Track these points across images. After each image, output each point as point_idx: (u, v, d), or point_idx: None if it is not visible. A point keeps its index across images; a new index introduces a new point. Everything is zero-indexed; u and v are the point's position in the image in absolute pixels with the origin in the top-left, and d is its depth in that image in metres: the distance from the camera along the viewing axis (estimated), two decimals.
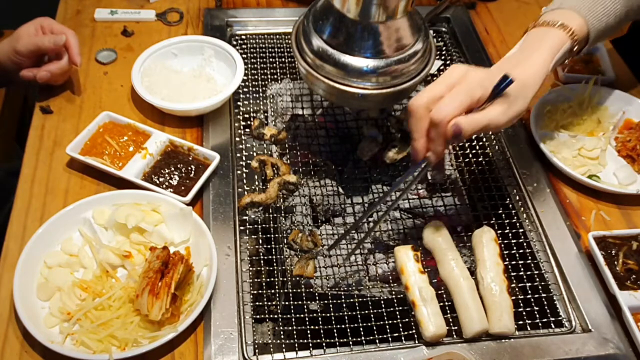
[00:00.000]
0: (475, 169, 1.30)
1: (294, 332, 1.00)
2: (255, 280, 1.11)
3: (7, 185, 1.25)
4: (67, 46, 1.25)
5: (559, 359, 0.99)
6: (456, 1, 1.67)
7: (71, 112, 1.30)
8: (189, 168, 1.19)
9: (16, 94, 2.07)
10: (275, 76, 1.44)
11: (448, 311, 1.03)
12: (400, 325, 1.02)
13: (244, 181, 1.22)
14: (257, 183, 1.22)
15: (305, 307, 1.05)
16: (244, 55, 1.43)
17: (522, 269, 1.12)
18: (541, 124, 1.37)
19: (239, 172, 1.22)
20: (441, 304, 1.01)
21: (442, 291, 1.08)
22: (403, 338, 1.00)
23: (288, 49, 1.49)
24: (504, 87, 0.92)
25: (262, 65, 1.45)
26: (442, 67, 1.52)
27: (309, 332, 1.00)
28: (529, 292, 1.08)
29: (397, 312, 1.03)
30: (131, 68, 1.31)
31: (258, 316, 1.04)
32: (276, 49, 1.50)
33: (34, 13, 1.33)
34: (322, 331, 1.00)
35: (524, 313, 1.06)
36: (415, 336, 1.00)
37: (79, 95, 1.34)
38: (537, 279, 1.11)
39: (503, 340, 1.00)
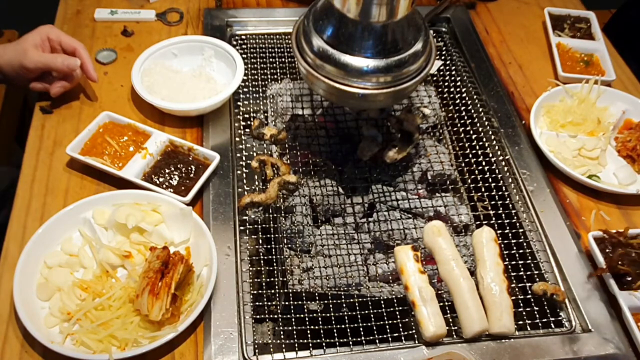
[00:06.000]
0: (475, 169, 1.30)
1: (294, 332, 1.00)
2: (255, 280, 1.11)
3: (7, 187, 1.25)
4: (81, 63, 1.25)
5: (559, 359, 0.99)
6: (456, 1, 1.67)
7: (71, 112, 1.30)
8: (189, 168, 1.19)
9: (16, 94, 2.07)
10: (275, 76, 1.44)
11: (448, 311, 1.03)
12: (400, 325, 1.02)
13: (244, 181, 1.22)
14: (257, 183, 1.22)
15: (305, 307, 1.05)
16: (244, 55, 1.43)
17: (522, 269, 1.12)
18: (541, 124, 1.37)
19: (239, 172, 1.22)
20: (441, 304, 1.01)
21: (442, 291, 1.08)
22: (403, 338, 1.00)
23: (288, 49, 1.49)
24: None
25: (262, 65, 1.45)
26: (442, 67, 1.52)
27: (309, 332, 1.00)
28: (529, 292, 1.08)
29: (397, 312, 1.03)
30: (131, 68, 1.31)
31: (258, 316, 1.04)
32: (276, 49, 1.50)
33: (34, 13, 1.33)
34: (322, 331, 1.00)
35: (524, 313, 1.06)
36: (415, 336, 1.00)
37: (79, 95, 1.34)
38: (537, 279, 1.11)
39: (503, 340, 1.00)
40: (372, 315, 1.02)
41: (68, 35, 1.26)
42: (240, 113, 1.34)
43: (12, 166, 1.54)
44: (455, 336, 1.01)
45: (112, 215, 1.08)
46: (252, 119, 1.29)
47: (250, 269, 1.09)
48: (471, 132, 1.38)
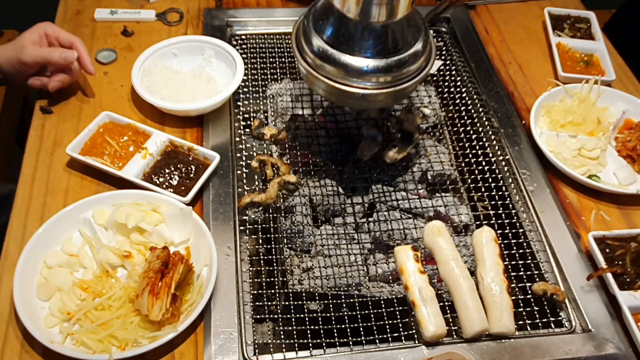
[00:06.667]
0: (475, 169, 1.30)
1: (294, 332, 1.00)
2: (255, 280, 1.11)
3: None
4: (78, 57, 1.25)
5: (559, 359, 0.99)
6: (456, 1, 1.67)
7: (71, 112, 1.30)
8: (189, 168, 1.19)
9: (16, 94, 2.07)
10: (275, 76, 1.44)
11: (448, 311, 1.03)
12: (400, 325, 1.02)
13: (244, 181, 1.22)
14: (257, 183, 1.22)
15: (305, 307, 1.05)
16: (244, 55, 1.43)
17: (522, 269, 1.12)
18: (541, 124, 1.37)
19: (239, 172, 1.22)
20: (441, 304, 1.01)
21: (442, 291, 1.08)
22: (403, 338, 1.00)
23: (288, 49, 1.49)
24: None
25: (262, 65, 1.45)
26: (442, 67, 1.52)
27: (309, 332, 1.00)
28: (529, 292, 1.08)
29: (397, 312, 1.03)
30: (131, 68, 1.31)
31: (258, 316, 1.04)
32: (276, 49, 1.50)
33: (34, 13, 1.33)
34: (322, 331, 1.00)
35: (524, 313, 1.06)
36: (415, 336, 1.00)
37: (79, 95, 1.34)
38: (537, 279, 1.11)
39: (503, 340, 1.00)
40: (372, 315, 1.02)
41: (65, 31, 1.26)
42: (240, 113, 1.34)
43: (12, 168, 1.54)
44: (455, 336, 1.01)
45: (112, 215, 1.08)
46: (252, 119, 1.29)
47: (250, 269, 1.09)
48: (471, 132, 1.38)
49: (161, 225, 1.09)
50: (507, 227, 1.18)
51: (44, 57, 1.21)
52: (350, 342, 0.99)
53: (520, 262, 1.13)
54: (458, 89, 1.47)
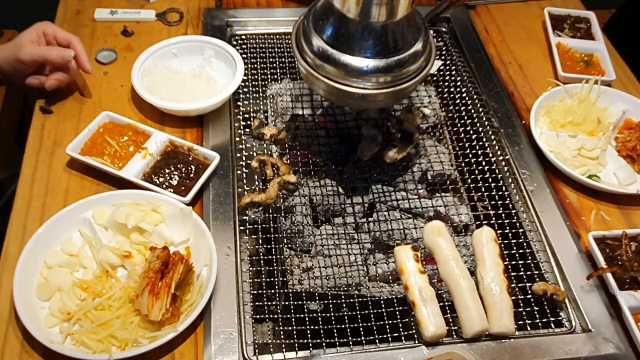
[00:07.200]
0: (475, 169, 1.30)
1: (294, 332, 1.00)
2: (255, 280, 1.11)
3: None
4: (76, 55, 1.25)
5: (559, 359, 0.99)
6: (456, 1, 1.67)
7: (71, 112, 1.30)
8: (189, 168, 1.19)
9: (16, 94, 2.07)
10: (275, 76, 1.44)
11: (448, 311, 1.03)
12: (400, 325, 1.02)
13: (244, 181, 1.22)
14: (257, 183, 1.22)
15: (305, 307, 1.05)
16: (244, 55, 1.43)
17: (522, 269, 1.12)
18: (541, 124, 1.37)
19: (239, 172, 1.22)
20: (441, 304, 1.01)
21: (442, 291, 1.08)
22: (403, 338, 1.00)
23: (288, 49, 1.49)
24: None
25: (262, 65, 1.45)
26: (442, 67, 1.52)
27: (309, 332, 1.00)
28: (529, 292, 1.08)
29: (397, 312, 1.03)
30: (131, 68, 1.31)
31: (258, 316, 1.04)
32: (276, 49, 1.50)
33: (34, 13, 1.33)
34: (322, 331, 1.00)
35: (524, 313, 1.06)
36: (415, 336, 1.00)
37: (79, 95, 1.34)
38: (537, 279, 1.11)
39: (503, 340, 1.00)
40: (372, 315, 1.02)
41: (63, 30, 1.26)
42: (240, 113, 1.34)
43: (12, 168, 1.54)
44: (455, 336, 1.01)
45: (112, 215, 1.08)
46: (252, 119, 1.29)
47: (250, 269, 1.09)
48: (471, 132, 1.38)
49: (161, 225, 1.09)
50: (507, 227, 1.18)
51: (41, 55, 1.22)
52: (350, 342, 0.99)
53: (520, 262, 1.13)
54: (458, 89, 1.47)
